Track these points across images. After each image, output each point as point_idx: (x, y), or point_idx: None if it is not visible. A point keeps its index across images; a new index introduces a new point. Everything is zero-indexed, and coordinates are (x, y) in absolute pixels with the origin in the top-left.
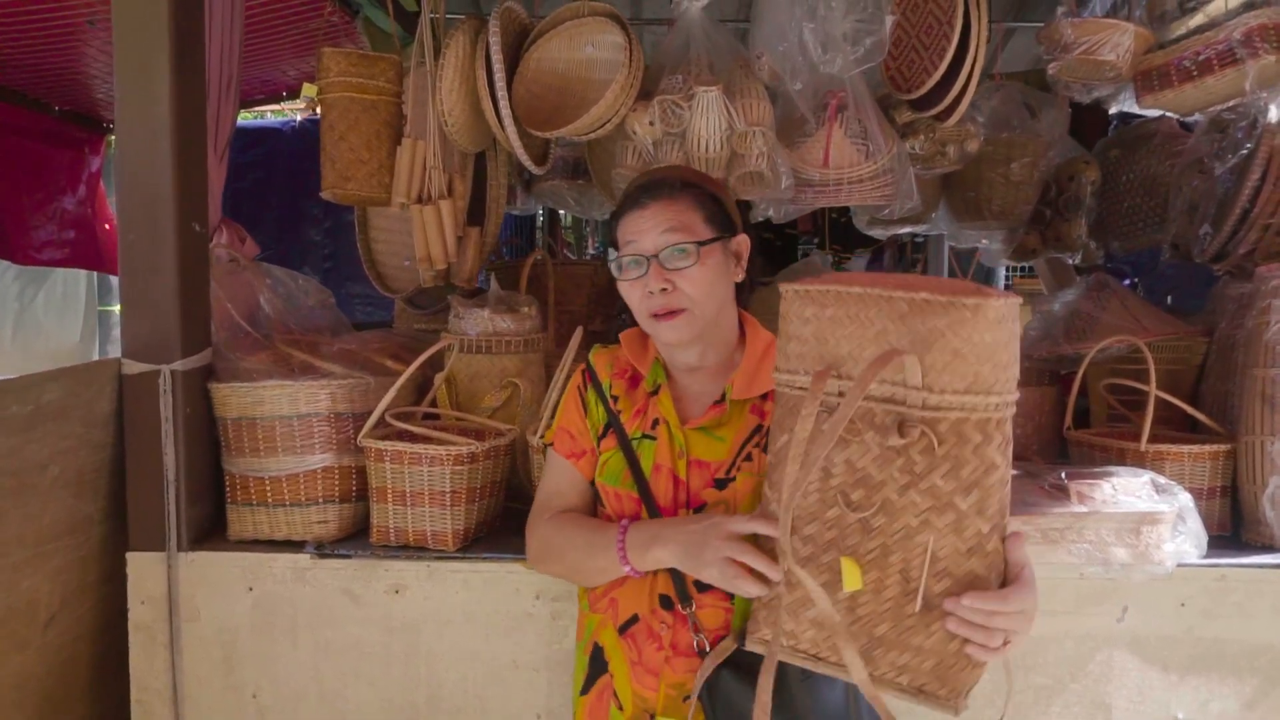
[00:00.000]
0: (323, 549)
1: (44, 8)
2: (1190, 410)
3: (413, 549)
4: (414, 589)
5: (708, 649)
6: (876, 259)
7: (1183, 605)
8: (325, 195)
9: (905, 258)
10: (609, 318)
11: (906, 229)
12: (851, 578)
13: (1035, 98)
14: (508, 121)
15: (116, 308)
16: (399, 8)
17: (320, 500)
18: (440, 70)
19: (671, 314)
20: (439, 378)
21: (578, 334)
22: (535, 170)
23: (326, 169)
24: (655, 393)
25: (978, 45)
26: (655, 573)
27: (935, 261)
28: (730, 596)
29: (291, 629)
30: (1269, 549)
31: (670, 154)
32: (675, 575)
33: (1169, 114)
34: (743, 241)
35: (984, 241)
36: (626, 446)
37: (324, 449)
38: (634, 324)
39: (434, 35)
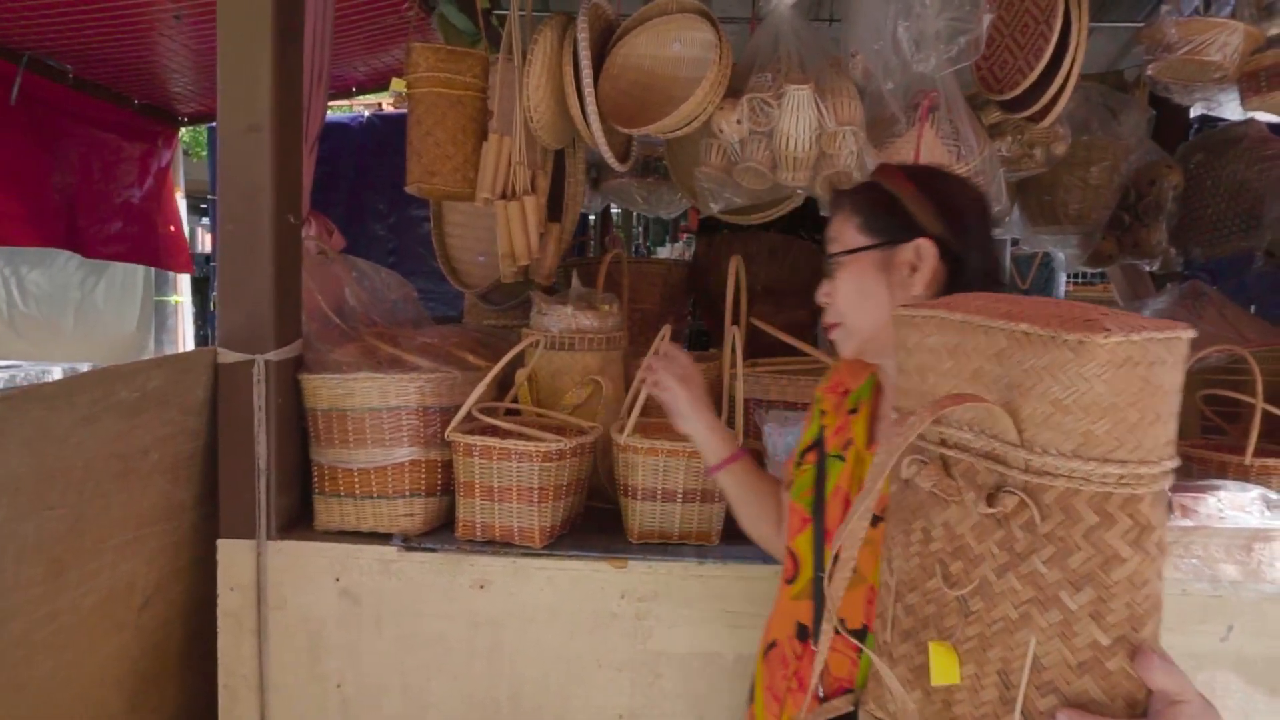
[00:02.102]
0: (409, 542)
1: (129, 2)
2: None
3: (498, 544)
4: (498, 585)
5: (821, 696)
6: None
7: None
8: (410, 190)
9: None
10: (681, 317)
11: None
12: (941, 668)
13: (1115, 100)
14: (594, 119)
15: (172, 298)
16: (472, 4)
17: (407, 493)
18: (527, 67)
19: (831, 327)
20: (521, 374)
21: (666, 330)
22: (619, 168)
23: (412, 163)
24: (855, 411)
25: (1077, 45)
26: (798, 598)
27: None
28: (859, 648)
29: (376, 621)
30: None
31: (757, 152)
32: (817, 605)
33: (1259, 118)
34: (919, 248)
35: (1057, 249)
36: (821, 464)
37: (411, 442)
38: (704, 326)
39: (520, 31)
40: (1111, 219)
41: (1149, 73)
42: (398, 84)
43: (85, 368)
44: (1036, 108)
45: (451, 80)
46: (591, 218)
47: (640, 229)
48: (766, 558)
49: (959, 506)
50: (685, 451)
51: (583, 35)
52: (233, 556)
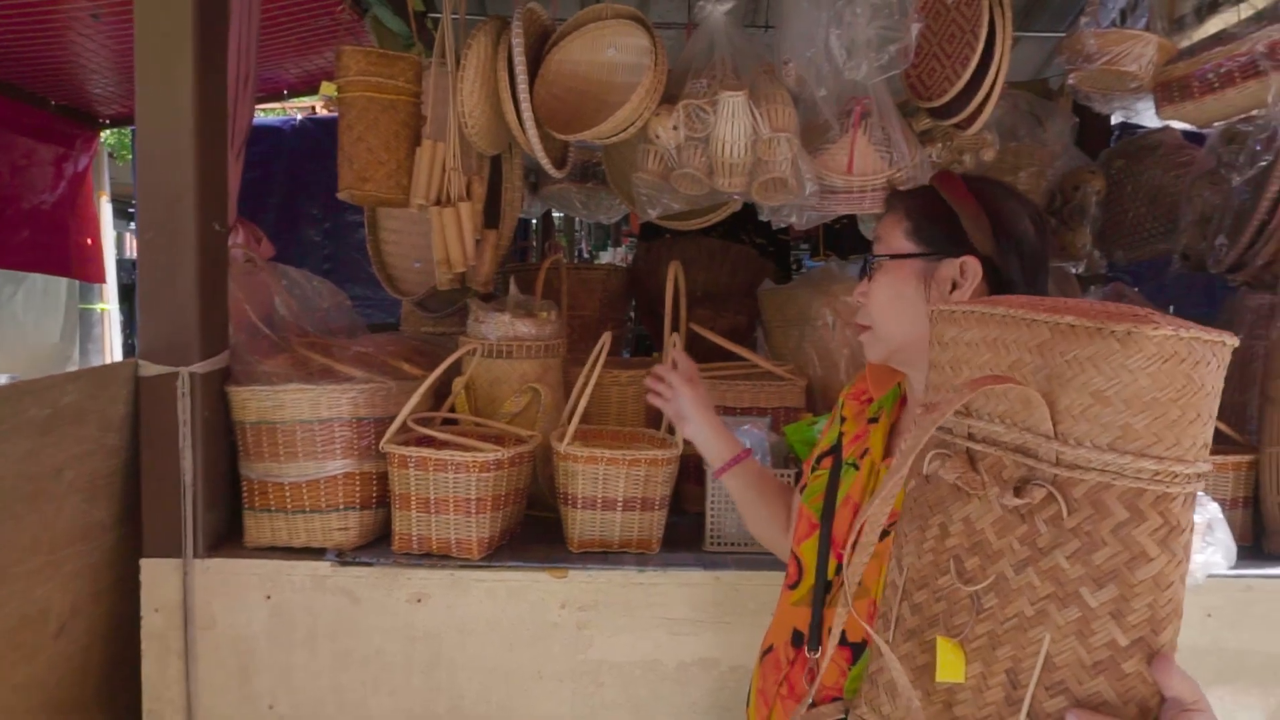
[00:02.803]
0: (343, 557)
1: (43, 1)
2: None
3: (435, 557)
4: (436, 598)
5: (810, 703)
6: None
7: (1209, 616)
8: (342, 196)
9: None
10: (621, 323)
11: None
12: (948, 665)
13: (1041, 107)
14: (529, 124)
15: (98, 306)
16: (406, 7)
17: (340, 506)
18: (461, 71)
19: (861, 329)
20: (458, 382)
21: (606, 338)
22: (555, 174)
23: (344, 169)
24: (875, 420)
25: (1002, 55)
26: (798, 604)
27: None
28: (851, 658)
29: (310, 638)
30: None
31: (693, 159)
32: (815, 612)
33: (1175, 125)
34: (965, 265)
35: None
36: (835, 471)
37: (345, 454)
38: (645, 331)
39: (454, 35)
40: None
41: (1070, 82)
42: (328, 88)
43: (3, 380)
44: (964, 115)
45: (383, 84)
46: (533, 222)
47: (582, 233)
48: (707, 565)
49: (981, 501)
50: (625, 460)
51: (517, 40)
52: (156, 576)
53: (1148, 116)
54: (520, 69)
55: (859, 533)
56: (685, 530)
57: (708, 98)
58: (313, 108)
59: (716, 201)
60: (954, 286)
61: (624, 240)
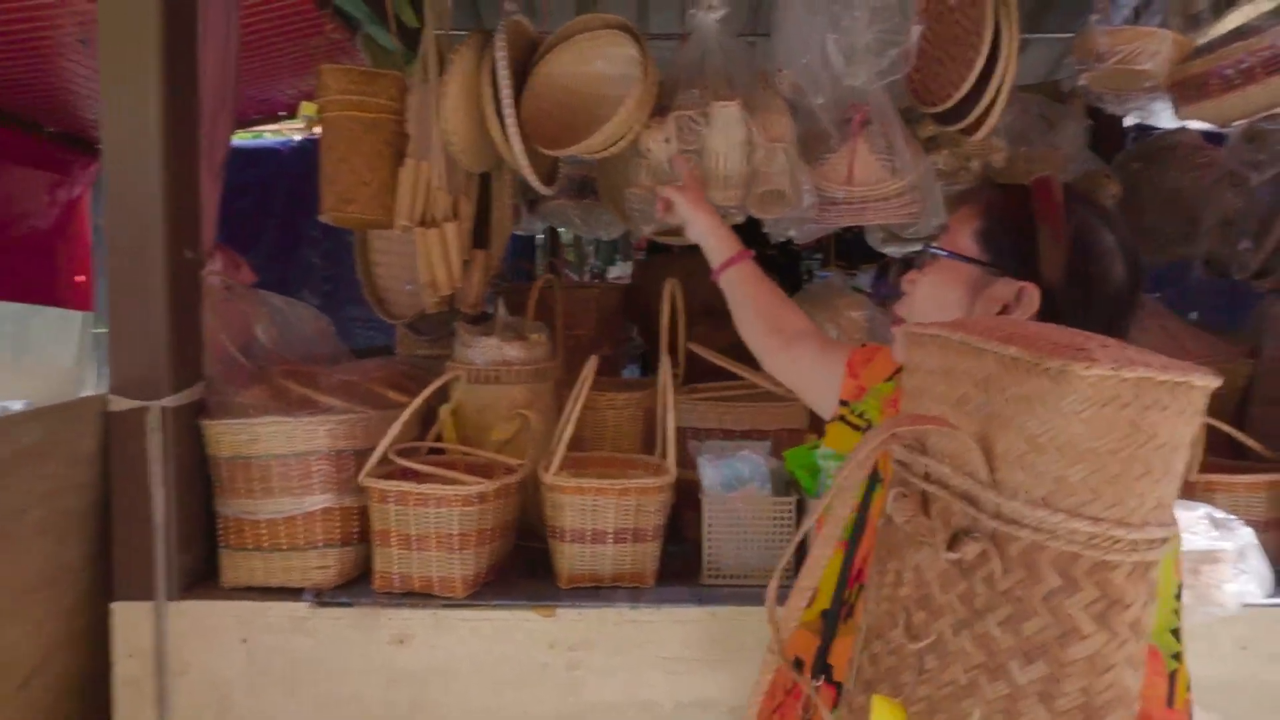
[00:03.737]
0: (322, 597)
1: (29, 26)
2: (1241, 437)
3: (418, 596)
4: (419, 638)
5: None
6: (882, 275)
7: (1244, 649)
8: (325, 218)
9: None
10: (618, 342)
11: (922, 245)
12: None
13: (1052, 110)
14: (514, 139)
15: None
16: (401, 24)
17: (320, 544)
18: (443, 87)
19: (897, 321)
20: (444, 410)
21: (592, 362)
22: (544, 190)
23: (326, 191)
24: None
25: (1008, 56)
26: (806, 625)
27: None
28: (836, 697)
29: (289, 682)
30: None
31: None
32: (823, 641)
33: (1192, 125)
34: (1024, 291)
35: None
36: (872, 484)
37: (324, 489)
38: (644, 345)
39: (438, 51)
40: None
41: (1082, 83)
42: (308, 108)
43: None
44: (970, 120)
45: (365, 103)
46: (536, 239)
47: (592, 248)
48: (703, 600)
49: (931, 549)
50: (615, 489)
51: (501, 53)
52: (129, 620)
53: (1164, 117)
54: (504, 83)
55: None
56: (682, 560)
57: (700, 108)
58: (310, 128)
59: None
60: (1004, 309)
61: (637, 254)
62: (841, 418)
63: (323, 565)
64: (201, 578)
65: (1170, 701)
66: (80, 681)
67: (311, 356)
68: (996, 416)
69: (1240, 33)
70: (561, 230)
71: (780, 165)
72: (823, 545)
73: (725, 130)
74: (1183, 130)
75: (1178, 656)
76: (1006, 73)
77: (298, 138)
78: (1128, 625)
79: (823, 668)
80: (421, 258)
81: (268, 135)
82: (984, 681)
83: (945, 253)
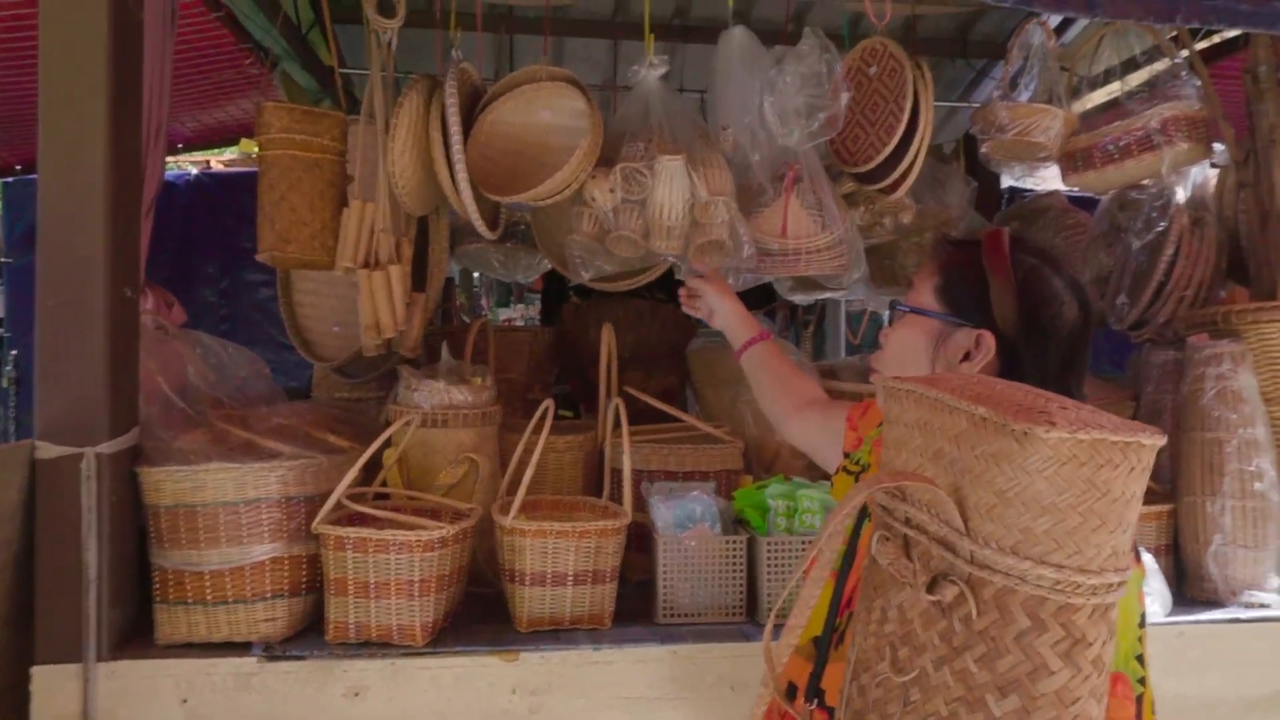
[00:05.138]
0: (272, 650)
1: None
2: None
3: (375, 646)
4: (376, 690)
5: None
6: (769, 319)
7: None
8: (263, 258)
9: (797, 319)
10: (547, 385)
11: (825, 294)
12: None
13: (941, 171)
14: (464, 186)
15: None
16: (318, 62)
17: (268, 595)
18: (392, 131)
19: (872, 374)
20: (389, 454)
21: (548, 405)
22: (489, 235)
23: (265, 230)
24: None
25: (925, 124)
26: (801, 653)
27: (832, 322)
28: None
29: None
30: (1213, 604)
31: (630, 221)
32: (816, 667)
33: (1061, 189)
34: (981, 338)
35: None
36: (861, 518)
37: (273, 538)
38: (575, 394)
39: (383, 93)
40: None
41: (983, 150)
42: (247, 145)
43: None
44: (890, 180)
45: (308, 142)
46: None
47: (481, 289)
48: (663, 638)
49: (913, 590)
50: (575, 532)
51: (451, 101)
52: (52, 685)
53: (1050, 183)
54: (455, 129)
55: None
56: (632, 601)
57: (645, 161)
58: (207, 162)
59: (648, 263)
60: (966, 356)
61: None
62: (844, 468)
63: (271, 617)
64: (134, 636)
65: None
66: None
67: (246, 398)
68: (968, 471)
69: (1115, 106)
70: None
71: (721, 217)
72: (812, 586)
73: (670, 182)
74: (1054, 194)
75: (1143, 681)
76: (925, 138)
77: (194, 171)
78: (1090, 661)
79: (816, 692)
80: (365, 300)
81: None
82: (963, 713)
83: (909, 308)
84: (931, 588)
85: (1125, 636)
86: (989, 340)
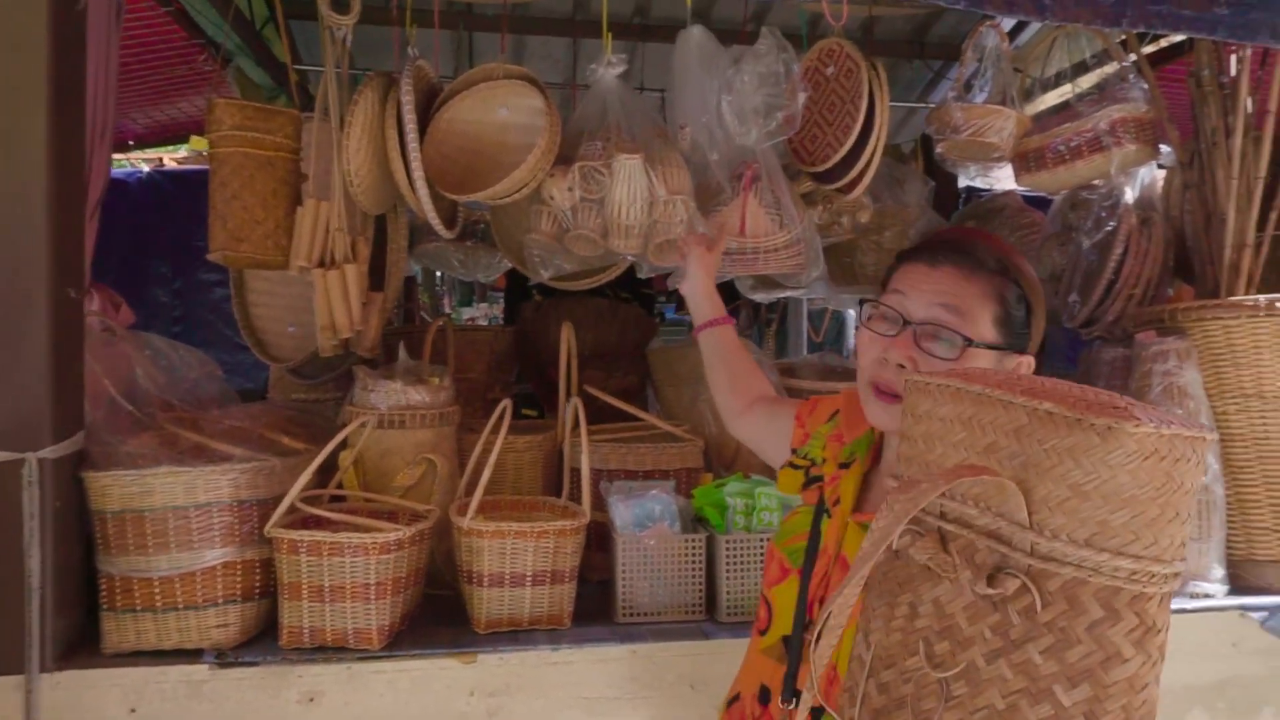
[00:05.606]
0: (224, 657)
1: None
2: None
3: (330, 650)
4: (331, 695)
5: None
6: (732, 318)
7: None
8: (214, 258)
9: (759, 318)
10: (508, 385)
11: (786, 293)
12: None
13: (899, 170)
14: (420, 184)
15: None
16: (272, 59)
17: (220, 600)
18: (347, 129)
19: (895, 397)
20: (345, 456)
21: (506, 405)
22: (446, 235)
23: (216, 229)
24: (847, 465)
25: (881, 124)
26: (767, 653)
27: (794, 320)
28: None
29: None
30: None
31: (588, 220)
32: (790, 664)
33: (1016, 189)
34: (1025, 364)
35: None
36: (818, 516)
37: (224, 542)
38: (537, 393)
39: (337, 90)
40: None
41: (939, 151)
42: (198, 142)
43: None
44: (847, 179)
45: (261, 140)
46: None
47: (444, 289)
48: (622, 638)
49: (952, 584)
50: (534, 532)
51: (407, 98)
52: None
53: (1004, 183)
54: (411, 127)
55: (827, 616)
56: (591, 600)
57: (603, 160)
58: (160, 159)
59: (608, 262)
60: None
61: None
62: (790, 463)
63: (223, 623)
64: (80, 645)
65: None
66: None
67: (197, 401)
68: (1034, 465)
69: (1066, 109)
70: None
71: (679, 216)
72: (855, 587)
73: (628, 181)
74: (1009, 194)
75: None
76: (880, 139)
77: (146, 169)
78: (1158, 647)
79: (792, 692)
80: (320, 300)
81: (113, 166)
82: (1025, 705)
83: (974, 343)
84: (992, 581)
85: None
86: (1029, 364)
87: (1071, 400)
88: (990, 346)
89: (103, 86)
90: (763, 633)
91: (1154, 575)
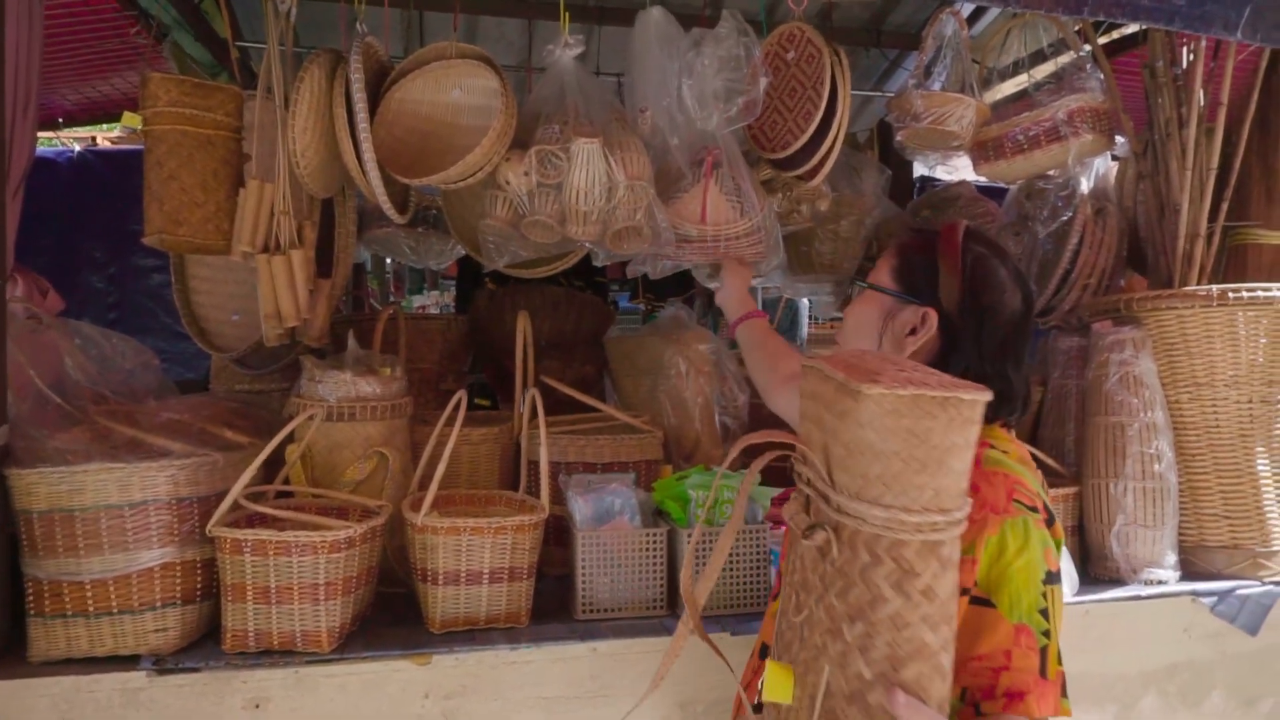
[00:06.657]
0: (163, 663)
1: None
2: (1041, 456)
3: (276, 654)
4: (278, 701)
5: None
6: (687, 307)
7: None
8: (150, 241)
9: (714, 306)
10: (461, 375)
11: (853, 280)
12: (774, 686)
13: (856, 159)
14: (370, 167)
15: None
16: (213, 34)
17: (158, 604)
18: (293, 108)
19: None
20: (292, 450)
21: (460, 396)
22: (398, 219)
23: (152, 211)
24: None
25: (843, 111)
26: (772, 617)
27: None
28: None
29: None
30: (1115, 582)
31: (545, 206)
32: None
33: (970, 179)
34: (926, 315)
35: (814, 295)
36: None
37: (163, 542)
38: (491, 383)
39: (281, 68)
40: (859, 268)
41: (898, 138)
42: (130, 119)
43: None
44: (808, 167)
45: (199, 118)
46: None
47: (391, 276)
48: (582, 635)
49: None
50: (491, 528)
51: (356, 75)
52: None
53: (961, 173)
54: (361, 105)
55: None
56: (551, 597)
57: (561, 144)
58: (93, 138)
59: (565, 249)
60: (912, 331)
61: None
62: None
63: (162, 627)
64: (2, 653)
65: (1043, 672)
66: None
67: (132, 392)
68: (829, 429)
69: (1025, 98)
70: (366, 258)
71: (638, 202)
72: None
73: (586, 166)
74: (963, 183)
75: (1047, 634)
76: (842, 126)
77: (78, 148)
78: (920, 591)
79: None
80: (265, 287)
81: (42, 144)
82: (830, 642)
83: (866, 284)
84: (807, 534)
85: (1028, 590)
86: (932, 317)
87: (858, 370)
88: (880, 289)
89: (25, 56)
90: (775, 598)
91: (904, 523)
